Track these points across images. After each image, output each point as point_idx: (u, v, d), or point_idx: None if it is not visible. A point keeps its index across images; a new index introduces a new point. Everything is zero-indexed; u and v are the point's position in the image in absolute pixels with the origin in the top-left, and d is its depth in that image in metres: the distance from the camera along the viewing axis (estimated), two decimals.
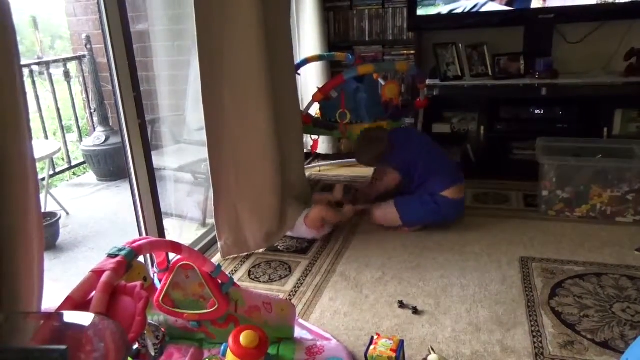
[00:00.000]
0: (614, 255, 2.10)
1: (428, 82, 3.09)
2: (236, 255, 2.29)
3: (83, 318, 0.94)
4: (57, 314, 1.00)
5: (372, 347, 1.46)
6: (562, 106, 2.95)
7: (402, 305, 1.82)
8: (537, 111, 2.99)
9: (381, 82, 3.01)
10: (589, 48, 3.06)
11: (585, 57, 3.09)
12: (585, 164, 2.43)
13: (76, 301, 1.13)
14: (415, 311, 1.78)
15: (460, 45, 3.15)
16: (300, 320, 1.74)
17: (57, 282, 2.37)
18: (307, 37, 3.44)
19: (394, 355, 1.42)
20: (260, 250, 2.32)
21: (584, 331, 1.63)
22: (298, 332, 1.65)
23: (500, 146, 3.02)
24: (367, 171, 3.41)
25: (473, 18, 3.04)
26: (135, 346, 1.48)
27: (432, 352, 1.51)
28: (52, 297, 1.31)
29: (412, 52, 3.36)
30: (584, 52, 3.08)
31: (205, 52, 1.98)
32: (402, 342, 1.49)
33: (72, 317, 0.98)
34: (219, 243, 2.24)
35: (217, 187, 2.15)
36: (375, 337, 1.51)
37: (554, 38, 3.08)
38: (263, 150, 2.20)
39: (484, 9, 3.00)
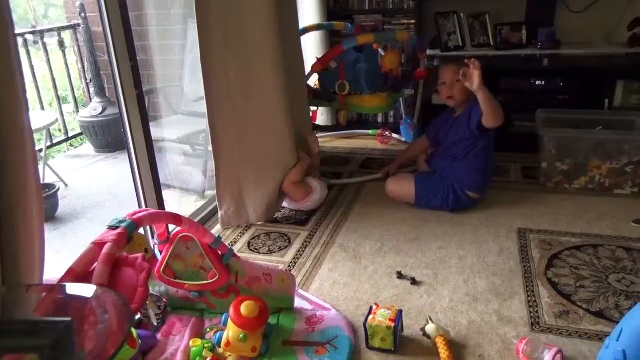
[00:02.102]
0: (611, 227, 2.11)
1: (429, 52, 3.04)
2: (235, 226, 2.30)
3: (86, 290, 0.95)
4: (59, 286, 1.01)
5: (371, 316, 1.49)
6: (563, 77, 2.91)
7: (400, 276, 1.84)
8: (538, 82, 2.95)
9: (381, 52, 2.96)
10: (593, 18, 3.00)
11: (588, 27, 3.04)
12: (585, 135, 2.42)
13: (78, 273, 1.14)
14: (414, 282, 1.80)
15: (461, 14, 3.09)
16: (300, 291, 1.77)
17: (58, 253, 2.38)
18: (306, 6, 3.37)
19: (392, 324, 1.44)
20: (259, 222, 2.33)
21: (579, 301, 1.66)
22: (298, 302, 1.67)
23: None
24: (365, 144, 3.41)
25: None
26: (138, 316, 1.50)
27: (430, 321, 1.53)
28: (53, 268, 1.32)
29: (413, 21, 3.30)
30: (587, 22, 3.02)
31: (205, 23, 1.93)
32: (400, 312, 1.52)
33: (74, 289, 0.98)
34: (219, 212, 2.25)
35: (218, 157, 2.14)
36: (374, 307, 1.53)
37: (557, 7, 3.02)
38: (270, 123, 2.17)
39: None
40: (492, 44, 3.07)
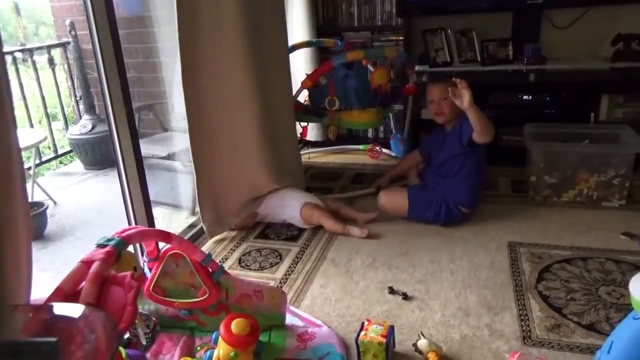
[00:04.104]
0: (600, 240, 2.13)
1: (417, 68, 3.08)
2: (222, 237, 2.34)
3: (73, 309, 0.93)
4: (46, 306, 0.99)
5: (362, 332, 1.48)
6: (550, 92, 2.96)
7: (392, 291, 1.84)
8: (525, 97, 3.00)
9: (370, 68, 2.99)
10: (577, 33, 3.07)
11: (573, 42, 3.10)
12: (572, 149, 2.45)
13: (66, 292, 1.13)
14: (405, 297, 1.80)
15: (449, 30, 3.14)
16: (291, 307, 1.75)
17: (46, 272, 2.36)
18: (295, 23, 3.41)
19: (384, 340, 1.43)
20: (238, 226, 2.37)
21: (570, 314, 1.66)
22: (289, 319, 1.66)
23: None
24: (356, 159, 3.42)
25: (462, 3, 3.04)
26: (127, 335, 1.48)
27: (422, 337, 1.53)
28: (40, 287, 1.30)
29: (401, 38, 3.34)
30: (572, 38, 3.09)
31: (186, 41, 1.99)
32: (392, 327, 1.51)
33: (62, 308, 0.97)
34: (203, 226, 2.27)
35: (199, 169, 2.19)
36: (366, 323, 1.52)
37: (543, 23, 3.08)
38: (244, 138, 2.28)
39: None
40: (479, 59, 3.11)
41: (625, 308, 1.67)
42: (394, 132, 3.37)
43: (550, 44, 3.08)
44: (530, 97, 2.99)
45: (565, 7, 3.02)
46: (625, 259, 1.97)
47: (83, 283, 1.16)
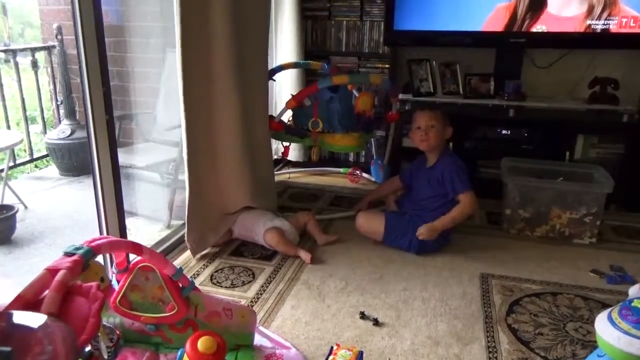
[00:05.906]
0: (570, 276, 2.16)
1: (401, 96, 3.13)
2: (203, 254, 2.31)
3: (33, 319, 0.90)
4: (5, 314, 0.96)
5: (331, 357, 1.46)
6: (528, 128, 3.03)
7: (363, 316, 1.83)
8: (504, 131, 3.06)
9: (355, 93, 3.03)
10: (557, 74, 3.17)
11: (552, 82, 3.20)
12: (546, 185, 2.51)
13: (27, 300, 1.09)
14: (376, 323, 1.79)
15: (434, 62, 3.21)
16: (261, 328, 1.73)
17: (10, 278, 2.29)
18: (284, 44, 3.44)
19: None
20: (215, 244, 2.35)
21: (537, 348, 1.67)
22: (258, 340, 1.64)
23: (466, 163, 3.08)
24: (335, 181, 3.43)
25: (447, 37, 3.11)
26: (88, 348, 1.43)
27: None
28: (3, 293, 1.26)
29: (387, 66, 3.40)
30: (552, 77, 3.19)
31: (187, 63, 2.04)
32: (361, 353, 1.50)
33: (21, 317, 0.94)
34: (187, 244, 2.24)
35: (192, 186, 2.19)
36: (335, 347, 1.51)
37: (524, 62, 3.17)
38: (230, 156, 2.30)
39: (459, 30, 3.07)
40: (461, 92, 3.18)
41: (591, 345, 1.69)
42: (374, 157, 3.40)
43: (530, 82, 3.16)
44: (509, 132, 3.06)
45: (546, 48, 3.12)
46: (593, 296, 2.01)
47: (46, 292, 1.13)
